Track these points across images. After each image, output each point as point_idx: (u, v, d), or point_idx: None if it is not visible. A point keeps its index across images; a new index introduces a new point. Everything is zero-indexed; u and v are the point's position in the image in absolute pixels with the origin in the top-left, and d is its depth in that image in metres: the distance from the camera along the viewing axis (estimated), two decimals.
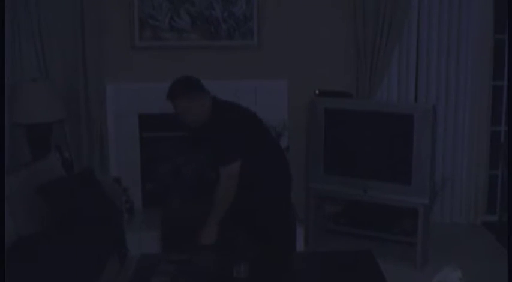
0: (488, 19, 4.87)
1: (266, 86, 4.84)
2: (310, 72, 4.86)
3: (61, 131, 4.73)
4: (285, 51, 4.88)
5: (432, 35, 4.92)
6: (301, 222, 4.56)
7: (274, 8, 4.83)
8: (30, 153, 4.51)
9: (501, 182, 5.07)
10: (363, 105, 4.56)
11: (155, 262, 3.38)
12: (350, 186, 4.50)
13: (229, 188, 3.58)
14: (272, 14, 4.83)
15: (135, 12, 4.75)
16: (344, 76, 4.92)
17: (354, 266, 3.46)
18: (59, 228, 3.71)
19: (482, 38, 4.90)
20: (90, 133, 4.78)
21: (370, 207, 4.66)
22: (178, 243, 4.17)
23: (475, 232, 5.03)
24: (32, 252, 3.42)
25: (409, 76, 4.98)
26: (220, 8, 4.81)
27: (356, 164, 4.54)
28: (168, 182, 5.06)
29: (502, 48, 5.02)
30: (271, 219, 3.73)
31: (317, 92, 4.77)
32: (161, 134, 5.01)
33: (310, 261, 3.74)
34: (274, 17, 4.83)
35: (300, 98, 4.83)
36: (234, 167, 3.56)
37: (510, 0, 4.47)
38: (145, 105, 4.85)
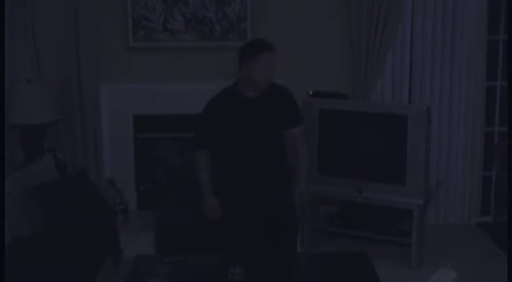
0: (482, 20, 4.89)
1: None
2: (304, 73, 4.84)
3: (55, 132, 4.71)
4: (279, 52, 4.84)
5: (426, 36, 4.92)
6: None
7: (268, 9, 4.82)
8: (24, 155, 4.49)
9: (495, 183, 5.08)
10: (358, 106, 4.57)
11: (150, 264, 3.37)
12: (345, 187, 4.50)
13: (306, 143, 3.71)
14: (266, 14, 4.82)
15: (128, 13, 4.74)
16: (339, 77, 4.91)
17: (348, 268, 3.46)
18: (53, 230, 3.70)
19: (476, 38, 4.91)
20: (85, 134, 4.77)
21: (365, 208, 4.66)
22: (173, 245, 4.17)
23: (469, 233, 5.04)
24: (25, 254, 3.41)
25: (403, 77, 4.98)
26: (213, 9, 4.80)
27: (351, 165, 4.54)
28: (162, 183, 5.05)
29: (496, 49, 5.03)
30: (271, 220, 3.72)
31: (311, 92, 4.76)
32: (156, 135, 5.00)
33: (305, 262, 3.73)
34: (268, 18, 4.82)
35: None
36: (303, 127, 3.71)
37: (510, 0, 4.48)
38: (140, 106, 4.84)
